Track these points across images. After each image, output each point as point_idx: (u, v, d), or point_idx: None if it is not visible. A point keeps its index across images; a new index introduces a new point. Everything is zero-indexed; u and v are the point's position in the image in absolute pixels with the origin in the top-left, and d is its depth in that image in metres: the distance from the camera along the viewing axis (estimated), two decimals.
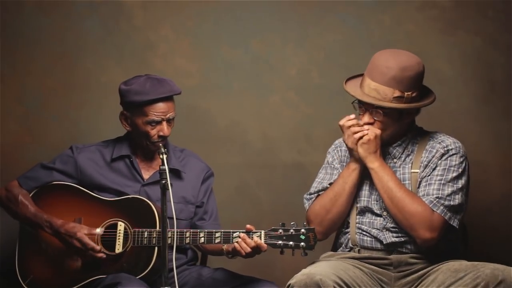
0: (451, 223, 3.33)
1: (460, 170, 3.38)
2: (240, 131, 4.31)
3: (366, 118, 3.40)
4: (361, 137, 3.38)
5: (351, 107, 3.45)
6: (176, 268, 3.28)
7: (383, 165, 3.39)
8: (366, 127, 3.39)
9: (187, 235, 3.39)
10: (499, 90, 4.19)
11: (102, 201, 3.53)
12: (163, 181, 3.18)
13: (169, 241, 3.25)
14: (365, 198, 3.45)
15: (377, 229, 3.41)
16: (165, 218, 3.18)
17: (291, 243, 3.28)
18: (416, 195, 3.36)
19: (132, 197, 3.50)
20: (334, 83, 4.11)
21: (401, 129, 3.45)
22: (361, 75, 3.48)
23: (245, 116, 4.30)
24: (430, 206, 3.31)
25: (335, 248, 3.54)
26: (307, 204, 3.50)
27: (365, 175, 3.43)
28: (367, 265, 3.40)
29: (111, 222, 3.47)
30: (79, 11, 4.26)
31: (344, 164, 3.51)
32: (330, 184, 3.47)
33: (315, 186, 3.52)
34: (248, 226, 3.32)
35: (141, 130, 3.52)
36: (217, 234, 3.36)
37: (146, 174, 3.59)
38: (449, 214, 3.32)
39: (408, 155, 3.45)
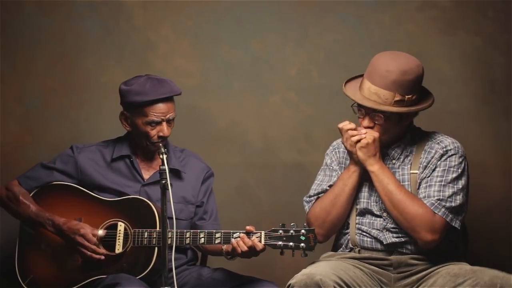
0: (453, 224, 3.32)
1: (459, 170, 3.38)
2: (240, 131, 4.31)
3: (366, 121, 3.39)
4: (358, 140, 3.37)
5: (352, 107, 3.44)
6: (176, 268, 3.28)
7: (382, 167, 3.38)
8: (363, 130, 3.39)
9: (187, 236, 3.39)
10: (499, 90, 4.19)
11: (102, 201, 3.52)
12: (163, 181, 3.18)
13: (169, 242, 3.25)
14: (365, 199, 3.44)
15: (377, 229, 3.41)
16: (165, 218, 3.18)
17: (291, 243, 3.28)
18: (417, 197, 3.36)
19: (132, 197, 3.50)
20: (334, 83, 4.10)
21: (400, 131, 3.44)
22: (360, 76, 3.47)
23: (245, 116, 4.30)
24: (432, 208, 3.31)
25: (335, 249, 3.54)
26: (307, 206, 3.50)
27: (364, 177, 3.43)
28: (367, 265, 3.40)
29: (111, 222, 3.47)
30: (79, 11, 4.26)
31: (343, 165, 3.51)
32: (330, 186, 3.47)
33: (315, 188, 3.52)
34: (248, 227, 3.32)
35: (141, 131, 3.52)
36: (217, 235, 3.36)
37: (146, 174, 3.59)
38: (450, 215, 3.32)
39: (407, 156, 3.45)
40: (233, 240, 3.32)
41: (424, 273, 3.37)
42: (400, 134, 3.45)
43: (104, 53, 4.27)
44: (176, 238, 3.36)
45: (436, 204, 3.31)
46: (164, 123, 3.50)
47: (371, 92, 3.35)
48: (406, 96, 3.35)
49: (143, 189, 3.56)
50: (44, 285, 3.49)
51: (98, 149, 3.62)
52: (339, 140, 3.56)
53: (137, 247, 3.42)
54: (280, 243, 3.28)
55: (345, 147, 3.42)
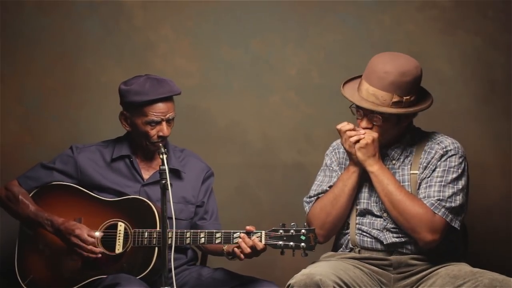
0: (453, 224, 3.32)
1: (459, 170, 3.38)
2: (240, 131, 4.31)
3: (365, 123, 3.39)
4: (357, 141, 3.37)
5: (350, 108, 3.44)
6: (176, 268, 3.29)
7: (382, 168, 3.38)
8: (362, 130, 3.38)
9: (187, 236, 3.39)
10: (499, 90, 4.19)
11: (102, 201, 3.52)
12: (163, 181, 3.18)
13: (169, 242, 3.25)
14: (365, 200, 3.44)
15: (377, 229, 3.41)
16: (165, 218, 3.18)
17: (291, 243, 3.28)
18: (417, 197, 3.35)
19: (132, 197, 3.50)
20: (334, 83, 4.09)
21: (399, 132, 3.44)
22: (358, 77, 3.46)
23: (245, 116, 4.30)
24: (432, 208, 3.31)
25: (335, 249, 3.54)
26: (307, 207, 3.50)
27: (364, 178, 3.43)
28: (367, 265, 3.40)
29: (111, 223, 3.47)
30: (79, 11, 4.26)
31: (343, 166, 3.51)
32: (330, 187, 3.47)
33: (315, 189, 3.52)
34: (248, 227, 3.32)
35: (141, 130, 3.52)
36: (218, 235, 3.36)
37: (146, 174, 3.59)
38: (450, 216, 3.32)
39: (406, 157, 3.45)
40: (235, 249, 3.32)
41: (423, 273, 3.37)
42: (399, 134, 3.44)
43: (104, 53, 4.27)
44: (177, 238, 3.36)
45: (436, 204, 3.31)
46: (164, 123, 3.50)
47: (369, 93, 3.35)
48: (404, 97, 3.34)
49: (142, 189, 3.56)
50: (44, 285, 3.49)
51: (97, 149, 3.62)
52: (338, 141, 3.55)
53: (137, 247, 3.41)
54: (280, 243, 3.28)
55: (344, 148, 3.42)
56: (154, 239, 3.39)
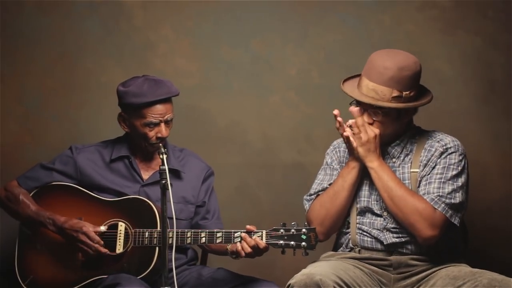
0: (452, 220, 3.33)
1: (459, 168, 3.38)
2: (240, 131, 4.31)
3: (365, 118, 3.40)
4: (347, 137, 3.37)
5: (350, 104, 3.45)
6: (176, 268, 3.29)
7: (382, 164, 3.39)
8: (348, 123, 3.39)
9: (188, 235, 3.39)
10: (499, 90, 4.20)
11: (102, 201, 3.52)
12: (163, 181, 3.18)
13: (170, 241, 3.25)
14: (365, 198, 3.45)
15: (378, 229, 3.41)
16: (165, 218, 3.18)
17: (292, 243, 3.28)
18: (417, 193, 3.36)
19: (133, 197, 3.50)
20: (334, 83, 4.09)
21: (400, 128, 3.45)
22: (358, 75, 3.48)
23: (245, 116, 4.30)
24: (432, 203, 3.31)
25: (335, 248, 3.54)
26: (307, 205, 3.50)
27: (364, 175, 3.43)
28: (367, 265, 3.40)
29: (111, 223, 3.47)
30: (79, 11, 4.26)
31: (343, 164, 3.51)
32: (330, 185, 3.47)
33: (315, 187, 3.52)
34: (248, 226, 3.32)
35: (139, 132, 3.52)
36: (218, 234, 3.36)
37: (146, 175, 3.59)
38: (450, 212, 3.32)
39: (407, 155, 3.45)
40: (238, 244, 3.32)
41: (423, 274, 3.37)
42: (400, 131, 3.45)
43: (104, 53, 4.27)
44: (177, 238, 3.36)
45: (436, 199, 3.32)
46: (162, 124, 3.50)
47: (369, 88, 3.37)
48: (404, 92, 3.36)
49: (142, 189, 3.56)
50: (44, 285, 3.49)
51: (97, 149, 3.62)
52: (339, 140, 3.57)
53: (137, 247, 3.42)
54: (281, 242, 3.28)
55: (346, 144, 3.43)
56: (155, 239, 3.39)
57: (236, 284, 3.47)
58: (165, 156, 3.22)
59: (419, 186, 3.39)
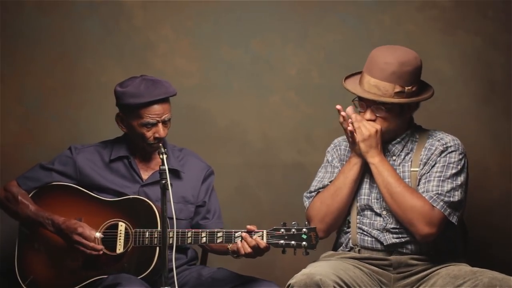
0: (450, 219, 3.33)
1: (459, 167, 3.38)
2: (240, 131, 4.31)
3: (368, 115, 3.40)
4: (351, 132, 3.37)
5: (353, 101, 3.45)
6: (176, 268, 3.28)
7: (383, 160, 3.39)
8: (356, 125, 3.39)
9: (188, 235, 3.39)
10: (499, 90, 4.20)
11: (102, 201, 3.52)
12: (163, 181, 3.18)
13: (170, 241, 3.25)
14: (365, 196, 3.45)
15: (378, 230, 3.41)
16: (165, 218, 3.18)
17: (293, 242, 3.28)
18: (416, 191, 3.36)
19: (133, 197, 3.50)
20: (334, 83, 4.10)
21: (402, 125, 3.45)
22: (358, 73, 3.48)
23: (245, 116, 4.30)
24: (430, 201, 3.32)
25: (335, 247, 3.54)
26: (307, 202, 3.50)
27: (365, 173, 3.44)
28: (367, 265, 3.40)
29: (111, 223, 3.47)
30: (79, 11, 4.26)
31: (344, 162, 3.52)
32: (331, 182, 3.47)
33: (315, 184, 3.52)
34: (248, 226, 3.32)
35: (137, 132, 3.51)
36: (219, 234, 3.36)
37: (145, 175, 3.59)
38: (448, 210, 3.32)
39: (407, 153, 3.45)
40: (238, 242, 3.32)
41: (423, 273, 3.37)
42: (402, 128, 3.45)
43: (104, 53, 4.27)
44: (178, 237, 3.36)
45: (434, 197, 3.32)
46: (160, 125, 3.50)
47: (371, 85, 3.37)
48: (406, 88, 3.36)
49: (142, 189, 3.56)
50: (45, 285, 3.49)
51: (96, 149, 3.62)
52: (340, 138, 3.57)
53: (138, 247, 3.41)
54: (282, 241, 3.28)
55: (348, 140, 3.43)
56: (155, 239, 3.39)
57: (236, 284, 3.47)
58: (165, 156, 3.22)
59: (418, 184, 3.40)
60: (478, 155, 4.06)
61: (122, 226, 3.44)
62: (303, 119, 4.29)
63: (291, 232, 3.29)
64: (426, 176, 3.39)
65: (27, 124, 4.26)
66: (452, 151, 3.41)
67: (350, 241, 3.46)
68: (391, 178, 3.36)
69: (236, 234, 3.34)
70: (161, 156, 3.24)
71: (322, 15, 4.25)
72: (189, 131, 4.19)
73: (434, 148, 3.42)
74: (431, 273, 3.36)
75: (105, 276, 3.40)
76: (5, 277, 3.63)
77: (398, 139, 3.46)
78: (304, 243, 3.27)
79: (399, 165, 3.44)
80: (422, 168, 3.41)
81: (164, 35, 4.29)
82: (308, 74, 4.29)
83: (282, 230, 3.29)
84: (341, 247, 3.50)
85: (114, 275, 3.37)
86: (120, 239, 3.43)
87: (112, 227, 3.46)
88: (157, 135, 3.50)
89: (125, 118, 3.54)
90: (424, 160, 3.42)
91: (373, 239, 3.42)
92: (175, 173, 3.59)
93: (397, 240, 3.39)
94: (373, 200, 3.43)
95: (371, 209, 3.43)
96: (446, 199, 3.33)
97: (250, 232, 3.32)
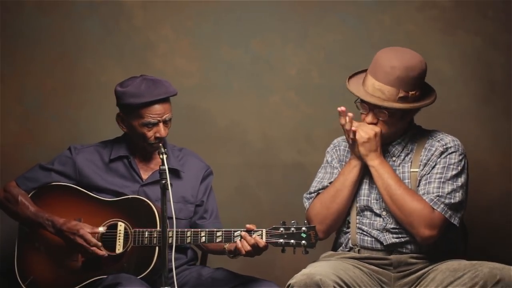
0: (452, 221, 3.33)
1: (459, 168, 3.38)
2: (240, 131, 4.31)
3: (370, 118, 3.39)
4: (355, 135, 3.37)
5: (351, 106, 3.44)
6: (176, 268, 3.28)
7: (383, 162, 3.39)
8: (355, 124, 3.38)
9: (188, 235, 3.39)
10: (499, 90, 4.20)
11: (102, 201, 3.52)
12: (163, 181, 3.18)
13: (169, 241, 3.24)
14: (365, 197, 3.45)
15: (377, 230, 3.41)
16: (165, 218, 3.18)
17: (292, 241, 3.28)
18: (416, 193, 3.36)
19: (132, 197, 3.50)
20: (334, 83, 4.12)
21: (402, 127, 3.45)
22: (362, 71, 3.47)
23: (245, 116, 4.30)
24: (431, 204, 3.31)
25: (335, 248, 3.54)
26: (307, 203, 3.50)
27: (365, 174, 3.43)
28: (367, 265, 3.40)
29: (111, 223, 3.47)
30: (79, 11, 4.26)
31: (343, 163, 3.51)
32: (330, 183, 3.47)
33: (315, 185, 3.52)
34: (248, 225, 3.32)
35: (138, 132, 3.51)
36: (218, 233, 3.36)
37: (145, 175, 3.59)
38: (449, 212, 3.32)
39: (407, 154, 3.45)
40: (237, 242, 3.32)
41: (423, 271, 3.37)
42: (402, 130, 3.45)
43: (104, 53, 4.27)
44: (177, 237, 3.36)
45: (435, 200, 3.32)
46: (161, 124, 3.50)
47: (375, 88, 3.36)
48: (410, 92, 3.35)
49: (141, 189, 3.56)
50: (44, 286, 3.49)
51: (96, 150, 3.62)
52: (339, 138, 3.57)
53: (137, 247, 3.41)
54: (281, 240, 3.28)
55: (348, 142, 3.43)
56: (155, 239, 3.39)
57: (236, 284, 3.47)
58: (165, 156, 3.22)
59: (418, 185, 3.39)
60: (478, 155, 4.06)
61: (121, 226, 3.44)
62: (303, 119, 4.29)
63: (291, 231, 3.28)
64: (427, 178, 3.38)
65: (27, 124, 4.26)
66: (452, 152, 3.40)
67: (350, 241, 3.46)
68: (391, 180, 3.35)
69: (236, 234, 3.34)
70: (161, 156, 3.24)
71: (322, 15, 4.25)
72: (189, 131, 4.19)
73: (434, 149, 3.42)
74: (430, 269, 3.36)
75: (105, 276, 3.40)
76: (5, 277, 3.62)
77: (398, 140, 3.45)
78: (303, 242, 3.27)
79: (398, 166, 3.44)
80: (422, 169, 3.40)
81: (164, 35, 4.29)
82: (308, 74, 4.29)
83: (282, 229, 3.29)
84: (341, 247, 3.50)
85: (114, 275, 3.37)
86: (119, 239, 3.43)
87: (111, 227, 3.46)
88: (158, 135, 3.50)
89: (126, 118, 3.53)
90: (424, 161, 3.41)
91: (373, 239, 3.41)
92: (175, 173, 3.58)
93: (397, 240, 3.39)
94: (372, 201, 3.43)
95: (371, 210, 3.43)
96: (446, 201, 3.32)
97: (249, 231, 3.32)
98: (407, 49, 3.41)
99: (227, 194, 4.18)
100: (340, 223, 3.47)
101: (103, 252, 3.40)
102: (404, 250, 3.39)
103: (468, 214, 3.48)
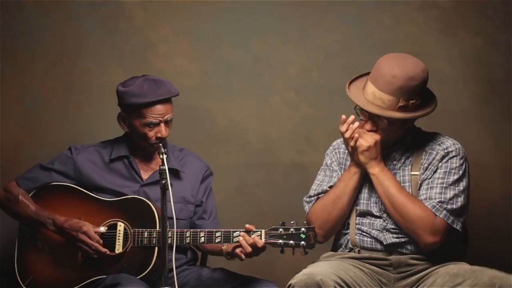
0: (454, 226, 3.32)
1: (461, 172, 3.37)
2: (240, 131, 4.31)
3: (369, 125, 3.37)
4: (356, 142, 3.36)
5: (351, 106, 3.43)
6: (176, 268, 3.28)
7: (383, 170, 3.37)
8: (355, 125, 3.37)
9: (187, 235, 3.39)
10: (499, 90, 4.19)
11: (102, 201, 3.52)
12: (163, 181, 3.18)
13: (169, 241, 3.24)
14: (365, 201, 3.44)
15: (377, 230, 3.41)
16: (165, 218, 3.18)
17: (291, 242, 3.27)
18: (418, 200, 3.34)
19: (132, 197, 3.50)
20: (334, 83, 4.12)
21: (402, 133, 3.43)
22: (362, 75, 3.45)
23: (245, 116, 4.30)
24: (433, 210, 3.30)
25: (335, 249, 3.54)
26: (307, 207, 3.49)
27: (364, 179, 3.43)
28: (367, 265, 3.39)
29: (110, 223, 3.47)
30: (79, 11, 4.26)
31: (343, 166, 3.51)
32: (330, 187, 3.46)
33: (315, 188, 3.51)
34: (247, 225, 3.32)
35: (139, 132, 3.51)
36: (218, 234, 3.36)
37: (145, 175, 3.59)
38: (452, 218, 3.31)
39: (407, 157, 3.44)
40: (237, 250, 3.32)
41: (423, 273, 3.36)
42: (402, 136, 3.44)
43: (104, 53, 4.27)
44: (176, 237, 3.36)
45: (437, 206, 3.31)
46: (162, 124, 3.50)
47: (376, 96, 3.33)
48: (410, 101, 3.32)
49: (142, 189, 3.56)
50: (44, 285, 3.48)
51: (96, 149, 3.62)
52: (339, 140, 3.55)
53: (137, 247, 3.41)
54: (280, 241, 3.28)
55: (347, 149, 3.42)
56: (154, 239, 3.39)
57: (236, 284, 3.47)
58: (165, 156, 3.22)
59: (419, 189, 3.38)
60: (478, 156, 4.05)
61: (121, 226, 3.44)
62: (303, 119, 4.29)
63: (290, 232, 3.28)
64: (428, 182, 3.37)
65: (27, 124, 4.26)
66: (453, 156, 3.39)
67: (349, 242, 3.46)
68: (392, 188, 3.34)
69: (235, 234, 3.34)
70: (161, 156, 3.24)
71: (322, 15, 4.25)
72: (189, 131, 4.20)
73: (435, 152, 3.40)
74: (430, 271, 3.35)
75: (105, 276, 3.39)
76: (5, 277, 3.62)
77: (398, 144, 3.44)
78: (302, 242, 3.27)
79: (399, 169, 3.42)
80: (423, 173, 3.39)
81: (164, 35, 4.29)
82: (308, 74, 4.29)
83: (281, 229, 3.29)
84: (341, 248, 3.49)
85: (114, 275, 3.37)
86: (119, 239, 3.43)
87: (111, 227, 3.46)
88: (159, 135, 3.49)
89: (127, 117, 3.53)
90: (426, 165, 3.40)
91: (373, 240, 3.41)
92: (175, 173, 3.58)
93: (397, 240, 3.38)
94: (372, 205, 3.43)
95: (371, 214, 3.43)
96: (449, 207, 3.31)
97: (248, 232, 3.31)
98: (409, 57, 3.37)
99: (227, 194, 4.18)
100: (340, 227, 3.46)
101: (105, 250, 3.40)
102: (404, 251, 3.39)
103: (468, 214, 3.48)
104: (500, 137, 4.19)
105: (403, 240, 3.38)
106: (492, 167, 4.20)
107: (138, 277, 3.37)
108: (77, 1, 4.26)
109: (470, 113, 4.21)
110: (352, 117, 3.39)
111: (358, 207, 3.44)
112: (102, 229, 3.44)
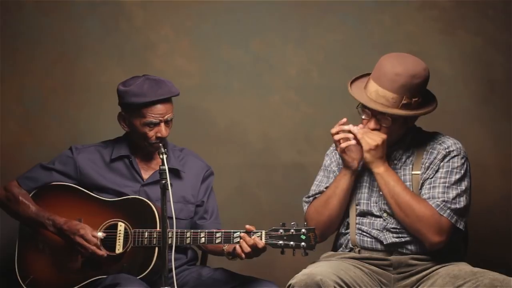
0: (458, 226, 3.32)
1: (462, 171, 3.37)
2: (240, 131, 4.31)
3: (373, 124, 3.37)
4: (345, 147, 3.36)
5: (352, 107, 3.44)
6: (176, 268, 3.29)
7: (388, 170, 3.37)
8: (351, 135, 3.38)
9: (187, 235, 3.39)
10: (499, 90, 4.20)
11: (102, 201, 3.52)
12: (163, 181, 3.18)
13: (169, 241, 3.24)
14: (365, 201, 3.44)
15: (377, 229, 3.41)
16: (165, 218, 3.18)
17: (292, 243, 3.27)
18: (423, 199, 3.34)
19: (132, 197, 3.50)
20: (334, 83, 4.12)
21: (404, 132, 3.43)
22: (364, 76, 3.45)
23: (245, 116, 4.30)
24: (437, 209, 3.30)
25: (334, 249, 3.54)
26: (305, 207, 3.50)
27: (364, 179, 3.43)
28: (367, 265, 3.39)
29: (111, 223, 3.47)
30: (79, 11, 4.26)
31: (341, 167, 3.50)
32: (327, 187, 3.47)
33: (313, 189, 3.52)
34: (247, 226, 3.32)
35: (139, 132, 3.51)
36: (218, 234, 3.36)
37: (146, 174, 3.59)
38: (455, 217, 3.31)
39: (408, 157, 3.44)
40: (237, 246, 3.32)
41: (423, 273, 3.36)
42: (403, 135, 3.44)
43: (104, 53, 4.27)
44: (177, 238, 3.36)
45: (441, 205, 3.31)
46: (162, 124, 3.50)
47: (379, 95, 3.34)
48: (413, 99, 3.33)
49: (142, 189, 3.56)
50: (45, 285, 3.48)
51: (97, 149, 3.62)
52: None
53: (137, 247, 3.41)
54: (280, 242, 3.28)
55: (336, 150, 3.44)
56: (154, 239, 3.39)
57: (236, 284, 3.47)
58: (165, 156, 3.22)
59: (421, 189, 3.38)
60: (478, 155, 4.05)
61: (121, 226, 3.44)
62: (303, 119, 4.29)
63: (290, 233, 3.28)
64: (431, 182, 3.37)
65: (27, 124, 4.26)
66: (454, 156, 3.39)
67: (350, 242, 3.46)
68: (398, 187, 3.34)
69: (235, 235, 3.34)
70: (161, 156, 3.24)
71: (322, 15, 4.25)
72: (189, 131, 4.20)
73: (436, 152, 3.40)
74: (430, 272, 3.35)
75: (105, 276, 3.39)
76: (5, 277, 3.62)
77: (399, 144, 3.44)
78: (303, 243, 3.27)
79: (400, 169, 3.43)
80: (425, 172, 3.39)
81: (164, 35, 4.29)
82: (308, 74, 4.29)
83: (281, 230, 3.29)
84: (341, 248, 3.49)
85: (114, 275, 3.37)
86: (119, 239, 3.43)
87: (111, 227, 3.46)
88: (159, 135, 3.49)
89: (128, 117, 3.53)
90: (427, 164, 3.40)
91: (373, 239, 3.41)
92: (176, 173, 3.58)
93: (397, 240, 3.38)
94: (372, 204, 3.43)
95: (371, 214, 3.43)
96: (452, 206, 3.32)
97: (249, 232, 3.32)
98: (410, 56, 3.39)
99: (227, 194, 4.18)
100: (335, 227, 3.47)
101: (102, 252, 3.40)
102: (404, 251, 3.39)
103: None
104: (500, 137, 4.20)
105: (403, 240, 3.38)
106: (492, 167, 4.20)
107: (138, 277, 3.37)
108: (77, 1, 4.26)
109: (470, 113, 4.21)
110: (344, 119, 3.40)
111: (358, 207, 3.45)
112: (100, 234, 3.43)
